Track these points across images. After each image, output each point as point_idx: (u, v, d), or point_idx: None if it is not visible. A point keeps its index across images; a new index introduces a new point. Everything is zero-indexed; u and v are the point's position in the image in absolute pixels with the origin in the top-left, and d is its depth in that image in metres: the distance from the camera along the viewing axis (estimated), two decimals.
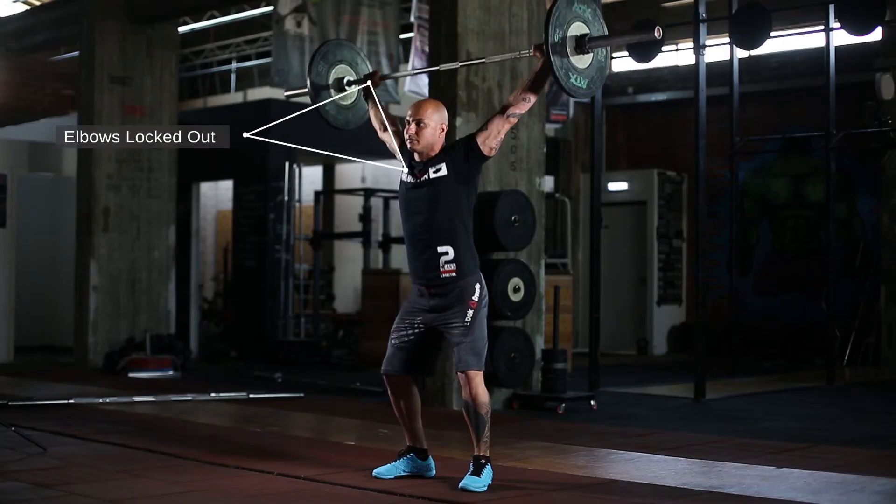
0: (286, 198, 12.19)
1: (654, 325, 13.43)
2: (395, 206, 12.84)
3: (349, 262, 15.05)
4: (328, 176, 15.55)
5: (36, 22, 13.35)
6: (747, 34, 9.22)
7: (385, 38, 12.40)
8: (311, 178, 13.18)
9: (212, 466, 5.27)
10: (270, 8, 12.23)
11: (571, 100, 12.60)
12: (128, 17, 11.01)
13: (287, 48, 11.64)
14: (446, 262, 4.69)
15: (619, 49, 14.11)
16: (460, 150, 4.77)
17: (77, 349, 10.87)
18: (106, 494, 4.57)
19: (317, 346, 12.06)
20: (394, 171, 14.36)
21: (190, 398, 8.05)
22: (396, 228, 13.00)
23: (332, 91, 5.38)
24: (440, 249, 4.69)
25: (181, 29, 13.29)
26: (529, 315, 7.83)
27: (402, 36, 12.93)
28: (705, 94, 8.90)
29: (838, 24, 9.43)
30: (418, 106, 4.82)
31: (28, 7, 15.33)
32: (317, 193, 13.46)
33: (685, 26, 10.18)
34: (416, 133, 4.76)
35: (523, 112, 4.77)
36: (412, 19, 11.61)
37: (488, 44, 7.83)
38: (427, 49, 9.00)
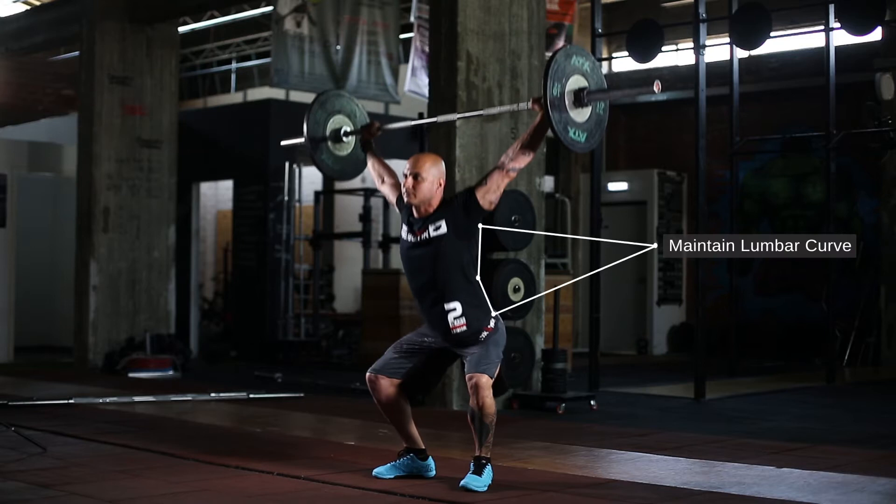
0: (286, 198, 12.20)
1: (654, 325, 13.43)
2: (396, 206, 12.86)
3: (349, 262, 15.06)
4: (328, 176, 15.53)
5: (36, 22, 13.36)
6: (747, 34, 9.22)
7: (385, 38, 12.40)
8: (311, 178, 13.19)
9: (212, 466, 5.26)
10: (270, 8, 12.22)
11: None
12: (128, 17, 11.01)
13: (287, 48, 11.64)
14: (455, 318, 4.67)
15: (619, 49, 14.13)
16: (459, 206, 4.74)
17: (77, 349, 10.86)
18: (106, 494, 4.57)
19: (317, 346, 12.06)
20: (396, 171, 14.35)
21: (190, 398, 8.04)
22: (396, 228, 13.00)
23: (329, 143, 5.37)
24: (447, 306, 4.68)
25: (181, 29, 13.30)
26: (529, 315, 7.83)
27: (402, 36, 12.93)
28: (705, 94, 8.90)
29: (838, 24, 9.42)
30: (416, 160, 4.79)
31: (28, 7, 15.34)
32: (317, 193, 13.46)
33: (685, 26, 10.18)
34: (414, 187, 4.73)
35: (523, 166, 4.75)
36: (412, 19, 11.61)
37: (488, 44, 7.83)
38: (427, 49, 9.00)
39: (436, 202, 4.77)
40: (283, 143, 6.26)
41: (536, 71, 8.14)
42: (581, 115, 4.55)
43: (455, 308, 4.67)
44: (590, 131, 4.60)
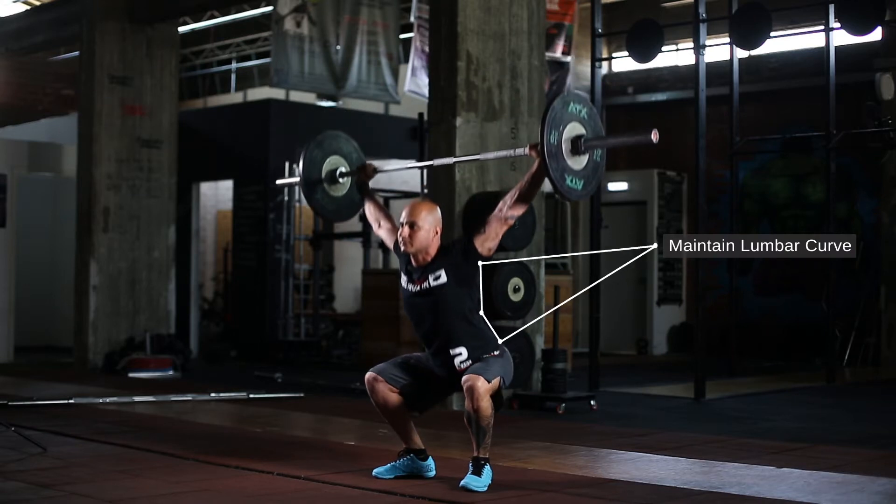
0: (286, 198, 12.20)
1: (654, 325, 13.43)
2: (395, 206, 12.88)
3: (349, 262, 15.06)
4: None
5: (36, 22, 13.36)
6: (747, 34, 9.22)
7: (385, 38, 12.40)
8: None
9: (212, 466, 5.27)
10: (270, 8, 12.23)
11: None
12: (128, 17, 11.01)
13: (287, 48, 11.64)
14: (461, 362, 4.70)
15: (619, 49, 14.13)
16: (458, 254, 4.75)
17: (77, 349, 10.87)
18: (106, 494, 4.57)
19: (317, 346, 12.06)
20: (394, 172, 14.35)
21: (190, 398, 8.05)
22: None
23: (325, 185, 5.37)
24: (453, 352, 4.71)
25: (181, 29, 13.31)
26: (529, 315, 7.82)
27: (402, 36, 12.93)
28: (705, 94, 8.90)
29: (838, 24, 9.43)
30: (412, 208, 4.79)
31: (28, 7, 15.34)
32: None
33: (685, 26, 10.18)
34: (410, 236, 4.73)
35: (520, 214, 4.75)
36: (412, 19, 11.61)
37: (488, 44, 7.83)
38: (427, 49, 9.00)
39: (433, 250, 4.78)
40: (279, 182, 6.33)
41: (536, 71, 8.14)
42: (578, 162, 4.56)
43: (461, 353, 4.71)
44: (587, 178, 4.60)
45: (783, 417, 7.56)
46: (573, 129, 4.53)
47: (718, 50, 11.40)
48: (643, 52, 9.60)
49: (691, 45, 9.16)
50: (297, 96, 15.13)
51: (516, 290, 7.52)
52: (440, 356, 4.76)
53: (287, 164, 12.16)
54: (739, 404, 8.35)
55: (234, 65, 17.86)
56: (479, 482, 4.61)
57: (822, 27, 9.94)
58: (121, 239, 10.91)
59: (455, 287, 4.71)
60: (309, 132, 9.85)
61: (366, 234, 12.64)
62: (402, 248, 4.79)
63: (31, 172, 12.43)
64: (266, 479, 4.94)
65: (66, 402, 7.65)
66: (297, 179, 5.40)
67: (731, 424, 7.16)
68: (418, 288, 4.76)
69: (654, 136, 4.41)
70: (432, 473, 4.93)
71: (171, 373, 10.33)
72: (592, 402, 7.85)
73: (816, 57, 10.99)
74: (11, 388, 8.78)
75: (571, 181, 4.53)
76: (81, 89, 11.13)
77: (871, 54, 11.66)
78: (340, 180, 5.40)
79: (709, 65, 9.14)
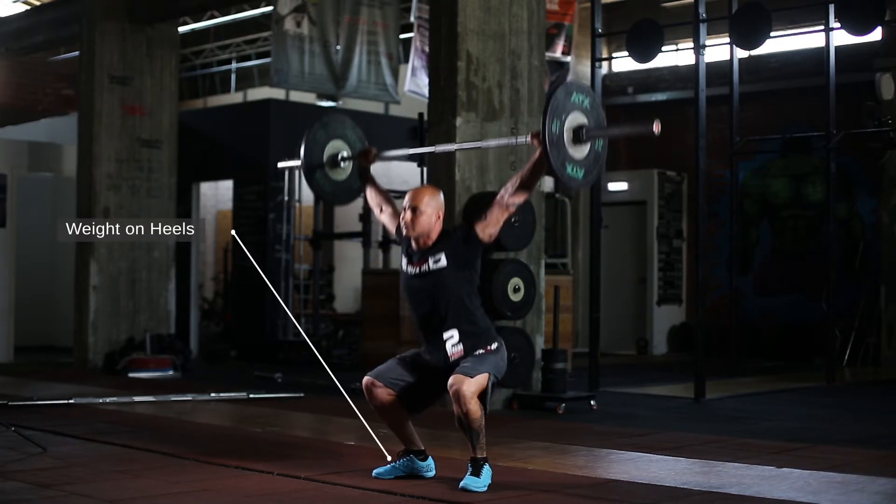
0: (286, 198, 12.20)
1: (654, 325, 13.43)
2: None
3: (349, 262, 15.06)
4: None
5: (36, 22, 13.36)
6: (747, 34, 9.22)
7: (385, 38, 12.40)
8: None
9: (212, 466, 5.27)
10: (270, 8, 12.23)
11: None
12: (128, 17, 11.01)
13: (287, 48, 11.64)
14: (452, 346, 4.70)
15: (619, 49, 14.13)
16: (459, 239, 4.76)
17: (77, 349, 10.87)
18: (106, 494, 4.57)
19: (317, 346, 12.05)
20: (393, 170, 14.32)
21: (190, 398, 8.05)
22: None
23: (326, 167, 5.37)
24: (445, 335, 4.71)
25: (181, 29, 13.30)
26: (529, 315, 7.82)
27: (402, 36, 12.93)
28: (705, 94, 8.90)
29: (838, 24, 9.43)
30: (414, 194, 4.81)
31: (28, 7, 15.34)
32: None
33: (685, 26, 10.18)
34: (412, 220, 4.75)
35: (521, 202, 4.76)
36: (412, 19, 11.61)
37: (488, 44, 7.83)
38: (427, 49, 9.00)
39: (435, 234, 4.79)
40: (280, 164, 6.30)
41: (536, 71, 8.14)
42: (580, 151, 4.57)
43: (452, 336, 4.70)
44: (588, 168, 4.61)
45: (783, 417, 7.56)
46: (575, 118, 4.54)
47: (718, 50, 11.40)
48: (643, 52, 9.60)
49: (691, 45, 9.16)
50: (297, 96, 15.12)
51: (516, 290, 7.52)
52: (434, 340, 4.74)
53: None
54: (739, 404, 8.35)
55: (234, 65, 17.86)
56: (479, 483, 4.61)
57: (822, 27, 9.94)
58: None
59: (454, 271, 4.71)
60: None
61: (366, 233, 12.63)
62: (405, 233, 4.80)
63: (31, 172, 12.43)
64: (266, 479, 4.94)
65: (66, 402, 7.65)
66: (299, 162, 5.39)
67: (731, 424, 7.16)
68: (418, 270, 4.77)
69: (657, 128, 4.41)
70: (432, 473, 4.93)
71: (171, 373, 10.33)
72: (592, 402, 7.85)
73: (816, 57, 10.99)
74: (11, 388, 8.78)
75: (572, 170, 4.54)
76: (81, 89, 11.13)
77: (871, 54, 11.66)
78: (342, 164, 5.41)
79: (709, 65, 9.14)
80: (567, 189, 14.19)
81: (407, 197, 4.80)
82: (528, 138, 4.67)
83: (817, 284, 11.59)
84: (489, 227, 4.74)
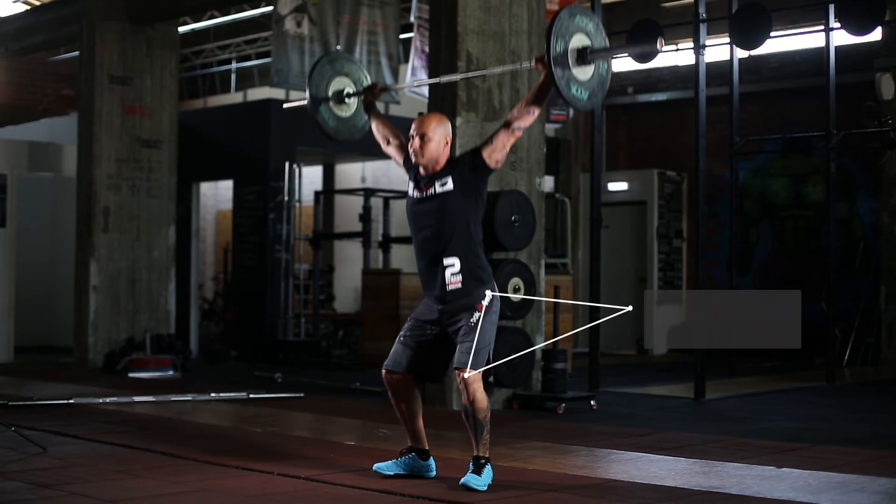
0: (286, 198, 12.20)
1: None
2: (395, 205, 12.88)
3: (349, 262, 15.07)
4: (328, 176, 15.56)
5: (36, 22, 13.36)
6: (747, 34, 9.21)
7: (385, 38, 12.40)
8: (311, 177, 13.18)
9: (212, 466, 5.27)
10: (270, 8, 12.23)
11: None
12: (128, 17, 11.01)
13: (287, 48, 11.65)
14: (452, 275, 4.69)
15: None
16: (466, 164, 4.78)
17: (77, 349, 10.86)
18: (106, 494, 4.57)
19: (317, 346, 12.06)
20: (393, 170, 14.35)
21: (190, 398, 8.05)
22: (396, 228, 13.01)
23: (331, 103, 5.38)
24: (446, 262, 4.70)
25: (181, 29, 13.29)
26: (529, 315, 7.83)
27: (402, 36, 12.93)
28: (705, 94, 8.90)
29: (838, 24, 9.42)
30: (422, 120, 4.83)
31: (28, 7, 15.33)
32: (317, 193, 13.46)
33: (685, 26, 10.18)
34: (421, 147, 4.77)
35: (528, 125, 4.77)
36: (412, 19, 11.61)
37: (488, 44, 7.83)
38: (427, 49, 9.00)
39: (443, 161, 4.81)
40: (286, 105, 6.25)
41: (536, 71, 8.12)
42: (584, 73, 4.58)
43: (453, 264, 4.69)
44: (592, 90, 4.62)
45: (783, 417, 7.56)
46: (579, 40, 4.55)
47: (718, 50, 11.40)
48: (642, 54, 9.59)
49: (691, 45, 9.16)
50: (297, 96, 15.12)
51: (516, 290, 7.52)
52: (432, 268, 4.74)
53: (287, 164, 12.16)
54: (739, 404, 8.35)
55: (234, 65, 17.84)
56: (480, 481, 4.61)
57: (822, 27, 9.94)
58: (121, 239, 10.91)
59: (460, 196, 4.72)
60: (309, 132, 9.88)
61: (366, 233, 12.64)
62: (414, 160, 4.82)
63: (30, 172, 12.43)
64: (266, 479, 4.94)
65: (66, 402, 7.65)
66: (304, 102, 5.39)
67: (731, 424, 7.15)
68: (423, 194, 4.79)
69: (660, 44, 4.43)
70: (433, 474, 4.93)
71: (171, 373, 10.33)
72: (592, 402, 7.85)
73: (816, 57, 10.99)
74: (11, 388, 8.78)
75: (577, 90, 4.56)
76: (81, 89, 11.13)
77: (871, 54, 11.66)
78: (347, 101, 5.41)
79: (709, 65, 9.14)
80: (568, 191, 14.20)
81: (414, 125, 4.81)
82: (533, 63, 4.71)
83: (817, 284, 11.59)
84: (496, 153, 4.75)
